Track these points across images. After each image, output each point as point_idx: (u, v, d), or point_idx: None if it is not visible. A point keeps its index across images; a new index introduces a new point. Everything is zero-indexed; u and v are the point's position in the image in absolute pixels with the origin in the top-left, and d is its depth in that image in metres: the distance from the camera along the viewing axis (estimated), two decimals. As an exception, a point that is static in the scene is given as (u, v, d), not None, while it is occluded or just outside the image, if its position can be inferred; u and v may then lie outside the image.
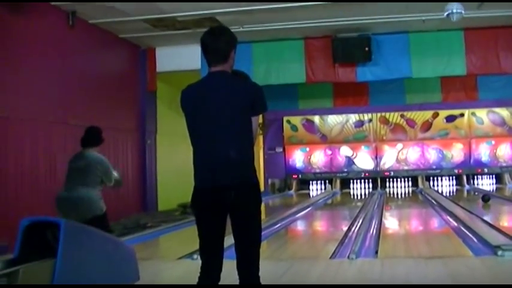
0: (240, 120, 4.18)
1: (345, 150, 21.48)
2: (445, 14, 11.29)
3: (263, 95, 4.27)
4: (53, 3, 10.99)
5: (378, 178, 21.14)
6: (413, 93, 18.49)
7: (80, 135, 7.60)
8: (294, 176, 21.71)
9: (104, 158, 7.46)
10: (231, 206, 4.14)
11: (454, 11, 11.17)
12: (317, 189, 21.38)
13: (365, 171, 21.31)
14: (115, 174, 7.63)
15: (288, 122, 21.77)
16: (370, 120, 21.49)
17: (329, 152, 21.53)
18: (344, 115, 21.54)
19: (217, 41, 4.27)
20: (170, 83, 15.91)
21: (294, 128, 21.85)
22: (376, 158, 21.31)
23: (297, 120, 21.78)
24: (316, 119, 21.74)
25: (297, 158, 21.70)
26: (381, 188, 20.67)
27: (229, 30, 4.41)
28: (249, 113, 4.21)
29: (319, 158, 21.58)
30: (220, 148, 4.12)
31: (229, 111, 4.15)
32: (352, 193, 20.63)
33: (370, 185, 21.11)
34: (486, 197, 14.72)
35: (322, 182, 21.51)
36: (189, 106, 4.27)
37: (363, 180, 21.30)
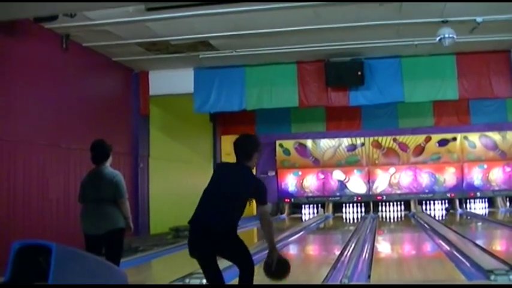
0: (237, 202, 5.26)
1: (337, 174, 21.52)
2: (437, 38, 11.33)
3: (264, 191, 5.41)
4: (46, 26, 10.99)
5: (371, 202, 21.16)
6: (406, 117, 18.49)
7: (72, 158, 7.55)
8: (286, 200, 21.72)
9: (116, 175, 7.34)
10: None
11: (446, 35, 11.21)
12: (309, 213, 21.37)
13: (357, 195, 21.33)
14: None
15: (281, 145, 21.81)
16: (363, 144, 21.56)
17: (321, 176, 21.57)
18: (337, 139, 21.63)
19: (244, 145, 5.54)
20: (163, 106, 15.92)
21: (287, 152, 21.88)
22: (368, 182, 21.35)
23: (289, 144, 21.83)
24: (309, 143, 21.81)
25: (290, 181, 21.73)
26: (373, 212, 20.67)
27: (255, 137, 5.85)
28: (246, 199, 5.35)
29: (311, 182, 21.62)
30: (213, 215, 5.16)
31: (232, 193, 5.22)
32: (344, 217, 20.61)
33: (363, 209, 21.10)
34: (448, 207, 16.40)
35: (315, 206, 21.52)
36: (215, 173, 5.52)
37: (355, 204, 21.30)
